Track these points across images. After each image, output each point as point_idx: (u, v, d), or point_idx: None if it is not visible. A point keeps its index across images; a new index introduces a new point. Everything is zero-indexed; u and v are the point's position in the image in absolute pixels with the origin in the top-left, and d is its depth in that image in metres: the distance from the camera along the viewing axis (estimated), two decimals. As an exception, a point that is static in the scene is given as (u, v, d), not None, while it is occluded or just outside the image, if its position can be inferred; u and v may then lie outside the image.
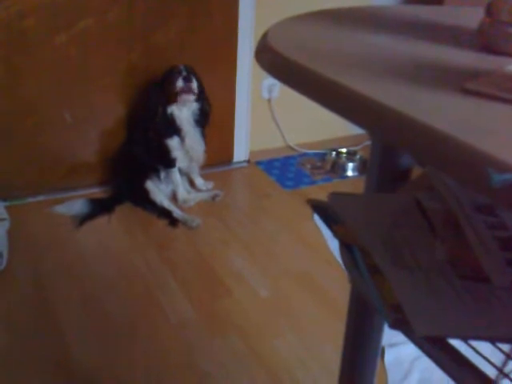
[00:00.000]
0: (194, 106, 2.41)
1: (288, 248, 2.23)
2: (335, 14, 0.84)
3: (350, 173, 2.85)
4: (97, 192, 2.54)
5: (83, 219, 2.31)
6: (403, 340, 0.59)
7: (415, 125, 0.45)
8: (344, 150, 2.97)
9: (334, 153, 2.94)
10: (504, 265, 0.57)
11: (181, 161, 2.48)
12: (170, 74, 2.34)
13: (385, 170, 0.82)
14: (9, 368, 1.58)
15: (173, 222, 2.34)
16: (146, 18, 2.42)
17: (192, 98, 2.35)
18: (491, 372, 0.60)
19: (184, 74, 2.31)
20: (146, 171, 2.45)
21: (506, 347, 0.61)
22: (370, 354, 0.96)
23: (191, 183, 2.64)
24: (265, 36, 0.69)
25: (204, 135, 2.50)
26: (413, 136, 0.45)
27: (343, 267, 0.67)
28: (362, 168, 2.86)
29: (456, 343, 0.57)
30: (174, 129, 2.40)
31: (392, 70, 0.59)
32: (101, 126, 2.53)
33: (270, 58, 0.63)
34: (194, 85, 2.32)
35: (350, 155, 2.95)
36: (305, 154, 3.02)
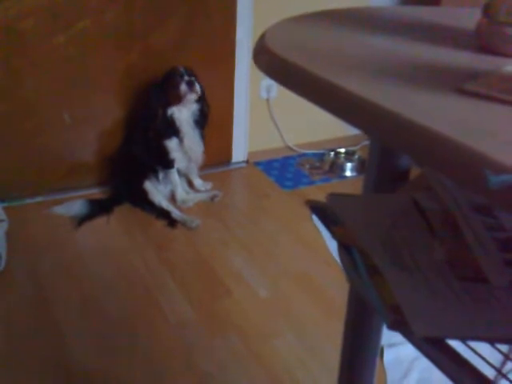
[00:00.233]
0: (194, 107, 2.41)
1: (287, 248, 2.23)
2: (333, 15, 0.84)
3: (348, 173, 2.85)
4: (96, 193, 2.54)
5: (82, 220, 2.31)
6: (402, 340, 0.59)
7: (412, 126, 0.45)
8: (342, 150, 2.97)
9: (332, 153, 2.94)
10: (502, 265, 0.57)
11: (179, 161, 2.48)
12: (171, 77, 2.34)
13: (383, 171, 0.82)
14: (8, 369, 1.58)
15: (172, 222, 2.34)
16: (144, 19, 2.41)
17: (195, 97, 2.35)
18: (490, 373, 0.61)
19: (186, 78, 2.31)
20: (145, 172, 2.45)
21: (504, 348, 0.61)
22: (369, 353, 0.96)
23: (190, 184, 2.64)
24: (262, 37, 0.69)
25: (203, 136, 2.50)
26: (410, 137, 0.45)
27: (342, 267, 0.67)
28: (360, 168, 2.86)
29: (455, 344, 0.57)
30: (173, 130, 2.40)
31: (389, 71, 0.59)
32: (99, 126, 2.53)
33: (268, 60, 0.63)
34: (197, 87, 2.33)
35: (349, 155, 2.95)
36: (303, 155, 3.02)
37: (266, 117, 2.90)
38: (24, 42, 2.23)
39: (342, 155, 2.95)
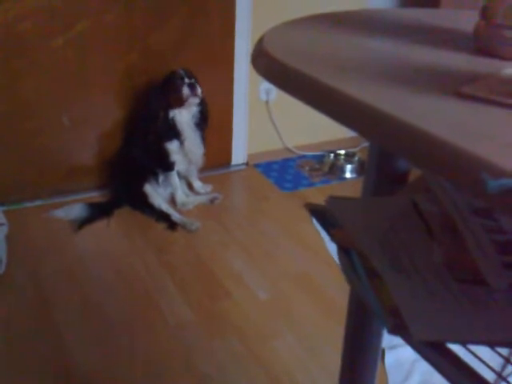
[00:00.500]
0: (195, 109, 2.41)
1: (287, 250, 2.23)
2: (331, 18, 0.84)
3: (348, 174, 2.85)
4: (95, 196, 2.54)
5: (82, 223, 2.31)
6: (403, 342, 0.59)
7: (411, 130, 0.45)
8: (342, 152, 2.97)
9: (332, 155, 2.94)
10: (501, 268, 0.57)
11: (180, 164, 2.48)
12: (171, 80, 2.34)
13: (383, 173, 0.82)
14: (9, 371, 1.58)
15: (171, 225, 2.34)
16: (144, 20, 2.42)
17: (197, 100, 2.36)
18: (490, 376, 0.60)
19: (187, 80, 2.31)
20: (145, 174, 2.45)
21: (504, 351, 0.61)
22: (369, 356, 0.96)
23: (190, 186, 2.64)
24: (261, 41, 0.69)
25: (204, 138, 2.50)
26: (408, 141, 0.45)
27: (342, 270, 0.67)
28: (360, 170, 2.86)
29: (455, 347, 0.57)
30: (174, 132, 2.40)
31: (388, 74, 0.59)
32: (99, 128, 2.53)
33: (266, 64, 0.63)
34: (199, 90, 2.33)
35: (348, 157, 2.95)
36: (303, 156, 3.02)
37: (266, 119, 2.90)
38: (23, 43, 2.23)
39: (342, 157, 2.95)
